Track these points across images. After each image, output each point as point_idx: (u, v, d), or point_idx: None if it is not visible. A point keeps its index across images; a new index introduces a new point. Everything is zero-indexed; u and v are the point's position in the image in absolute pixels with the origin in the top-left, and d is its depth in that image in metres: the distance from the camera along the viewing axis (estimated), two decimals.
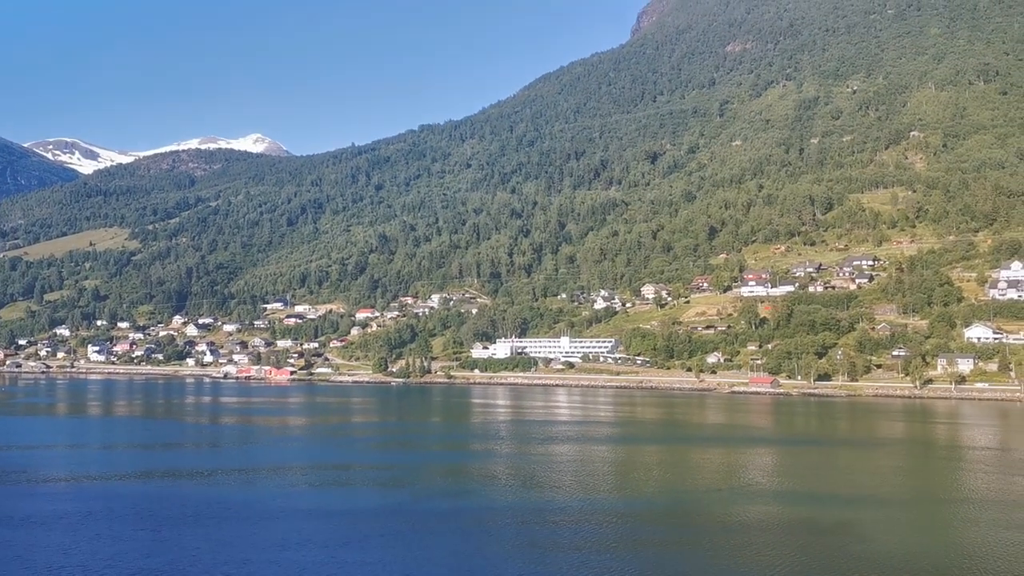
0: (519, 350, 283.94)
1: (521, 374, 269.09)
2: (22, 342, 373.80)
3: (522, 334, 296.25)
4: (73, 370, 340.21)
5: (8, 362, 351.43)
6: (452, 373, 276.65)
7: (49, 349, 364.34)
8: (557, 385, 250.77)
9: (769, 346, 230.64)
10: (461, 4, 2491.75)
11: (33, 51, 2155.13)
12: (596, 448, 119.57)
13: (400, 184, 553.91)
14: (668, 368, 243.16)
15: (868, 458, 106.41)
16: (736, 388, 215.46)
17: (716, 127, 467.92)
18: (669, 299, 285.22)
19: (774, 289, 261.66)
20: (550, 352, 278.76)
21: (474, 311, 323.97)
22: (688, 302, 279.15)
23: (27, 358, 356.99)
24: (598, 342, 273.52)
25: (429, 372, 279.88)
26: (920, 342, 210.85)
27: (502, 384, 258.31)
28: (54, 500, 77.47)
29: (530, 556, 58.30)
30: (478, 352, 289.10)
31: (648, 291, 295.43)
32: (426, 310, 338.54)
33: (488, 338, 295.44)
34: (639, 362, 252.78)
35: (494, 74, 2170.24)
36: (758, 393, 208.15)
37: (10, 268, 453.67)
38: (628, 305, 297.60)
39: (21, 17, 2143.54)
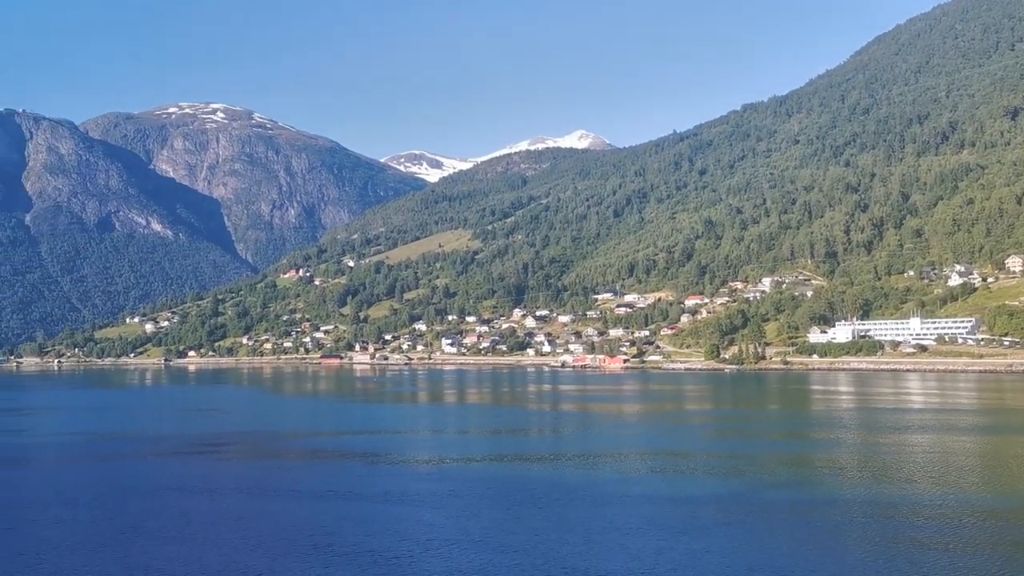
0: (861, 333, 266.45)
1: (865, 359, 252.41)
2: (387, 337, 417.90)
3: (864, 316, 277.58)
4: (430, 361, 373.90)
5: (377, 356, 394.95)
6: (788, 359, 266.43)
7: (410, 343, 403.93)
8: (908, 370, 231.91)
9: None
10: None
11: (384, 79, 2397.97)
12: (957, 438, 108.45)
13: (724, 167, 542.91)
14: None
15: None
16: None
17: None
18: None
19: None
20: (897, 334, 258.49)
21: (809, 293, 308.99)
22: None
23: (392, 352, 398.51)
24: (954, 322, 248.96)
25: (763, 358, 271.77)
26: None
27: (844, 370, 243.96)
28: (419, 480, 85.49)
29: (886, 552, 54.32)
30: (815, 337, 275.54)
31: (1015, 263, 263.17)
32: (757, 294, 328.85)
33: (826, 321, 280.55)
34: (1007, 343, 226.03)
35: (819, 43, 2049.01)
36: None
37: (375, 271, 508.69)
38: (990, 280, 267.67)
39: (375, 50, 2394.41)
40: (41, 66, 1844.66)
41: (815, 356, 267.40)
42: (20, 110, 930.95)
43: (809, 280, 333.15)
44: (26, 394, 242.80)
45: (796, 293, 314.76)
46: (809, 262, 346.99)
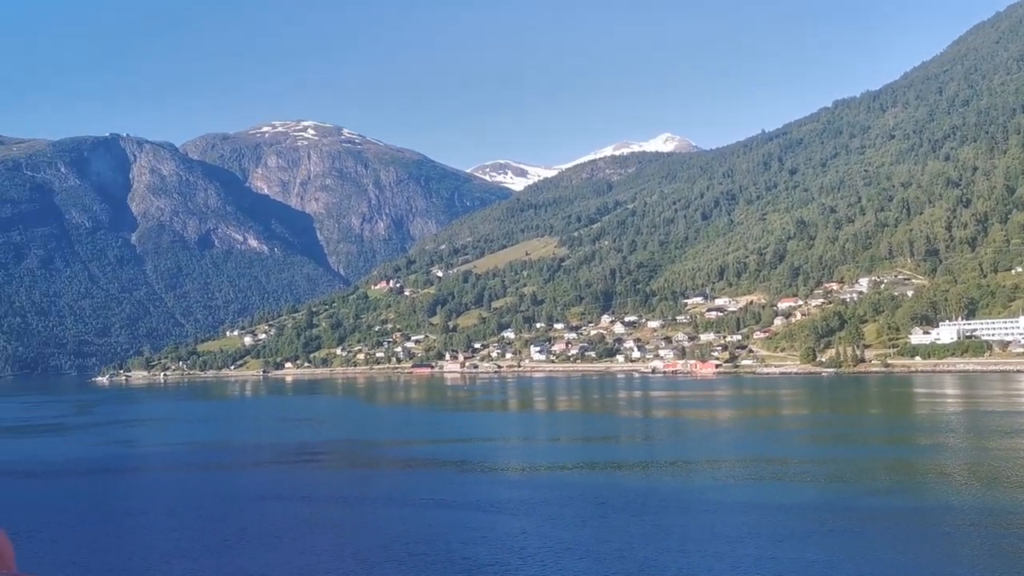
0: (967, 333, 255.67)
1: (972, 360, 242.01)
2: (476, 345, 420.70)
3: (970, 315, 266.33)
4: (519, 369, 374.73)
5: (467, 364, 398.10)
6: (889, 361, 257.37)
7: (499, 351, 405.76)
8: (1018, 371, 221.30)
9: None
10: None
11: (468, 90, 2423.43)
12: None
13: (816, 165, 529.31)
14: None
15: None
16: None
17: None
18: None
19: None
20: (1006, 334, 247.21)
21: (909, 293, 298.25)
22: None
23: (481, 360, 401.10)
24: None
25: (863, 361, 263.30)
26: None
27: (949, 372, 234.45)
28: (512, 488, 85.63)
29: (998, 562, 51.82)
30: (917, 338, 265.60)
31: None
32: (854, 295, 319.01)
33: (928, 322, 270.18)
34: None
35: (913, 35, 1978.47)
36: None
37: (463, 281, 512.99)
38: None
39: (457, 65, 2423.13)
40: (143, 92, 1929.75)
41: (918, 358, 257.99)
42: (124, 135, 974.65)
43: (909, 279, 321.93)
44: (135, 406, 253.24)
45: (896, 293, 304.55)
46: (909, 261, 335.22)
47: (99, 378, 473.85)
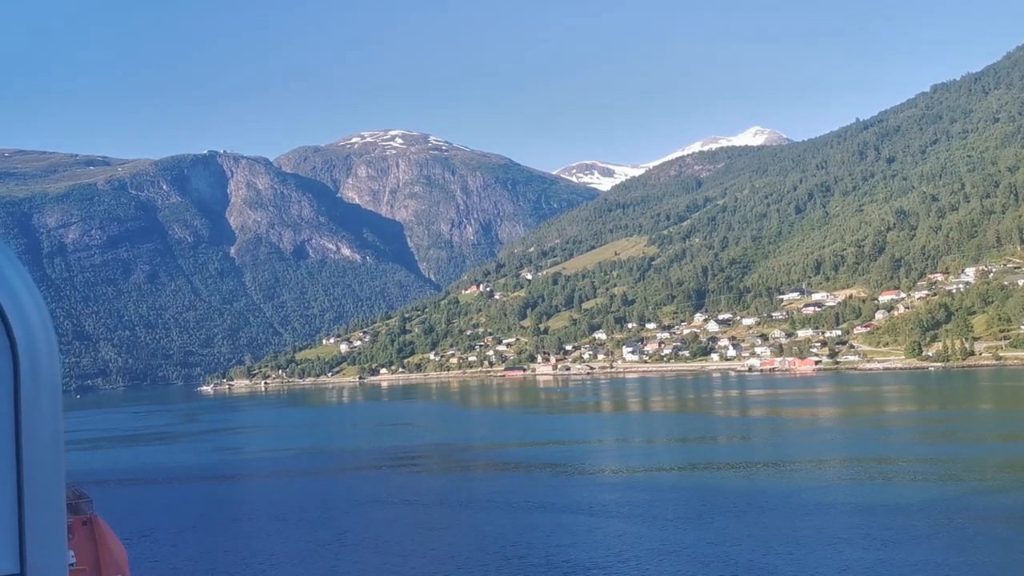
0: None
1: None
2: (568, 347, 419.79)
3: None
4: (612, 370, 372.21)
5: (559, 366, 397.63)
6: (1001, 354, 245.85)
7: (591, 352, 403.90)
8: None
9: None
10: None
11: (552, 91, 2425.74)
12: None
13: (915, 153, 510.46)
14: None
15: None
16: None
17: None
18: None
19: None
20: None
21: (1020, 282, 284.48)
22: None
23: (573, 361, 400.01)
24: None
25: (972, 354, 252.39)
26: None
27: None
28: (609, 490, 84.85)
29: None
30: None
31: None
32: (960, 286, 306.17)
33: None
34: None
35: (1015, 12, 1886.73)
36: None
37: (552, 283, 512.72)
38: None
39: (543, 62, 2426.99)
40: (238, 109, 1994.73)
41: None
42: (221, 151, 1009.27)
43: (1020, 268, 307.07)
44: (238, 414, 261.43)
45: (1006, 282, 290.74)
46: (1019, 248, 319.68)
47: (204, 387, 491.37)
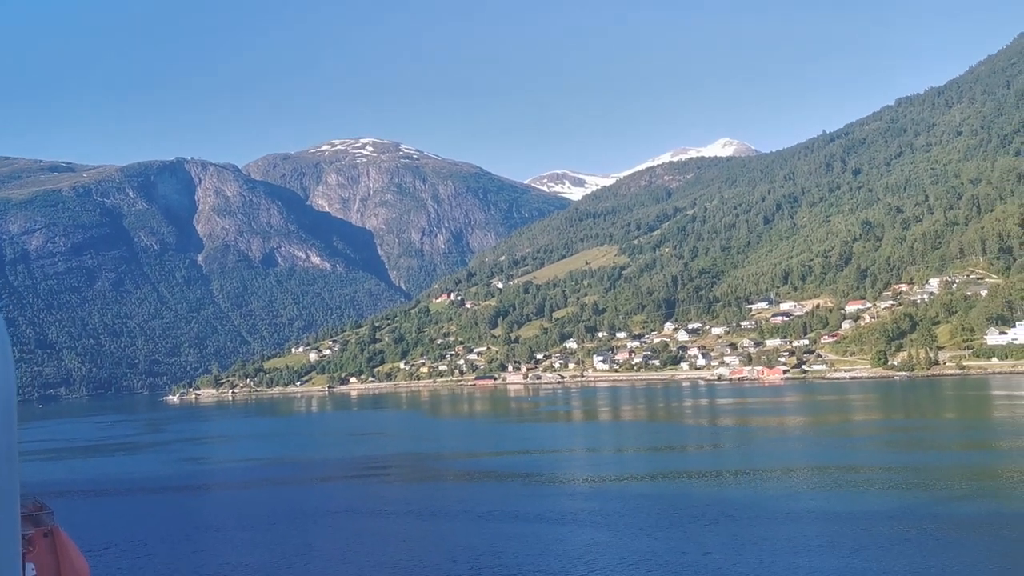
0: None
1: None
2: (539, 356, 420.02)
3: None
4: (583, 379, 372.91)
5: (530, 375, 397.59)
6: (964, 363, 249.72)
7: (561, 361, 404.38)
8: None
9: None
10: None
11: (523, 102, 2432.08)
12: None
13: (880, 165, 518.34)
14: None
15: None
16: None
17: None
18: None
19: None
20: None
21: (983, 293, 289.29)
22: None
23: (544, 371, 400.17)
24: None
25: (936, 363, 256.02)
26: None
27: None
28: (580, 499, 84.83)
29: None
30: (994, 338, 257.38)
31: None
32: (924, 296, 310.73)
33: (1005, 322, 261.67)
34: None
35: (978, 28, 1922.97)
36: None
37: (523, 292, 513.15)
38: None
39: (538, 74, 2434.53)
40: (206, 115, 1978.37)
41: (994, 359, 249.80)
42: (189, 158, 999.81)
43: (983, 279, 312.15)
44: (205, 424, 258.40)
45: (969, 293, 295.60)
46: (981, 259, 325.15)
47: (170, 397, 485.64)
